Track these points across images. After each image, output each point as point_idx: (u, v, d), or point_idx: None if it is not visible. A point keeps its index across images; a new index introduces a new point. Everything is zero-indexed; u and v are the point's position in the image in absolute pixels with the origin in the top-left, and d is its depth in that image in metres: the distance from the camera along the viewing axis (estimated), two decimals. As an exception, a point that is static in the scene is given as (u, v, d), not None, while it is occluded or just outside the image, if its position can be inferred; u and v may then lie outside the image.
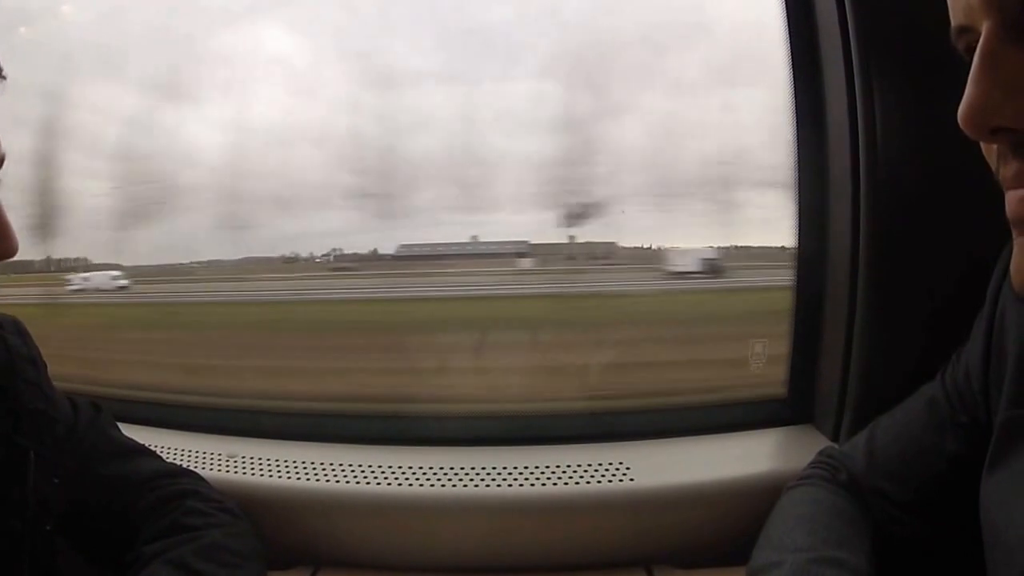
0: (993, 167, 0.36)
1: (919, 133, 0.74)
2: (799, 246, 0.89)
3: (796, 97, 0.86)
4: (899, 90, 0.74)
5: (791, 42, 0.85)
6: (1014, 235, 0.35)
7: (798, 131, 0.87)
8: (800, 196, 0.88)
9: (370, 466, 0.83)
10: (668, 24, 1.06)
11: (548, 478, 0.80)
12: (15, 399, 0.62)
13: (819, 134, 0.85)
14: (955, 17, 0.36)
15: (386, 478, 0.81)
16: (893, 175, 0.75)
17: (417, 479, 0.81)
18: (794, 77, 0.86)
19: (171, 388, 1.05)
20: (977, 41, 0.34)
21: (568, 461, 0.82)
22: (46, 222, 1.22)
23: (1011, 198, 0.34)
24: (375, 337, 1.32)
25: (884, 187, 0.75)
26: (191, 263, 1.35)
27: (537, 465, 0.82)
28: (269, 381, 1.13)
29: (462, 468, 0.82)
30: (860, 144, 0.76)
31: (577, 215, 1.12)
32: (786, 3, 0.85)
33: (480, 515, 0.79)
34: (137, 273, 1.40)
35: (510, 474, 0.81)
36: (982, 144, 0.37)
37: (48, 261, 1.35)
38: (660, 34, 1.06)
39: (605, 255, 1.30)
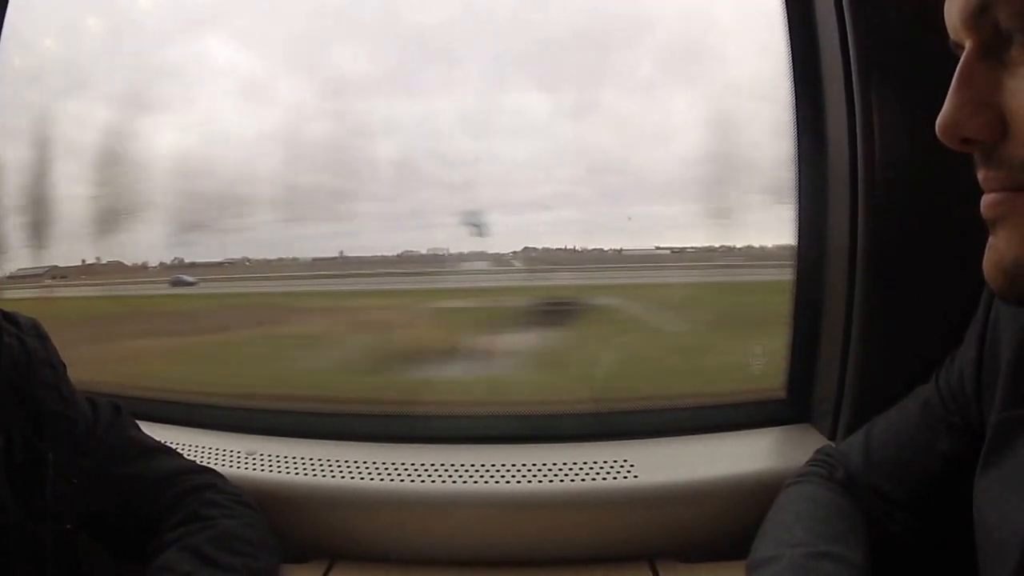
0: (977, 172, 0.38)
1: (916, 138, 0.75)
2: (798, 250, 0.90)
3: (797, 106, 0.88)
4: (897, 96, 0.76)
5: (792, 55, 0.87)
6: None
7: (799, 139, 0.88)
8: (800, 201, 0.89)
9: (383, 463, 0.85)
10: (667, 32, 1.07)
11: (555, 475, 0.82)
12: (33, 402, 0.63)
13: (819, 142, 0.86)
14: (950, 32, 0.38)
15: (399, 474, 0.83)
16: (891, 180, 0.77)
17: (428, 475, 0.83)
18: (795, 88, 0.88)
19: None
20: None
21: (575, 459, 0.84)
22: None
23: (983, 201, 0.37)
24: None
25: (882, 193, 0.77)
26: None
27: (545, 462, 0.83)
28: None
29: (472, 465, 0.84)
30: (858, 150, 0.78)
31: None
32: (787, 18, 0.87)
33: (489, 510, 0.81)
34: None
35: (519, 471, 0.82)
36: None
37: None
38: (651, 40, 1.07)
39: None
